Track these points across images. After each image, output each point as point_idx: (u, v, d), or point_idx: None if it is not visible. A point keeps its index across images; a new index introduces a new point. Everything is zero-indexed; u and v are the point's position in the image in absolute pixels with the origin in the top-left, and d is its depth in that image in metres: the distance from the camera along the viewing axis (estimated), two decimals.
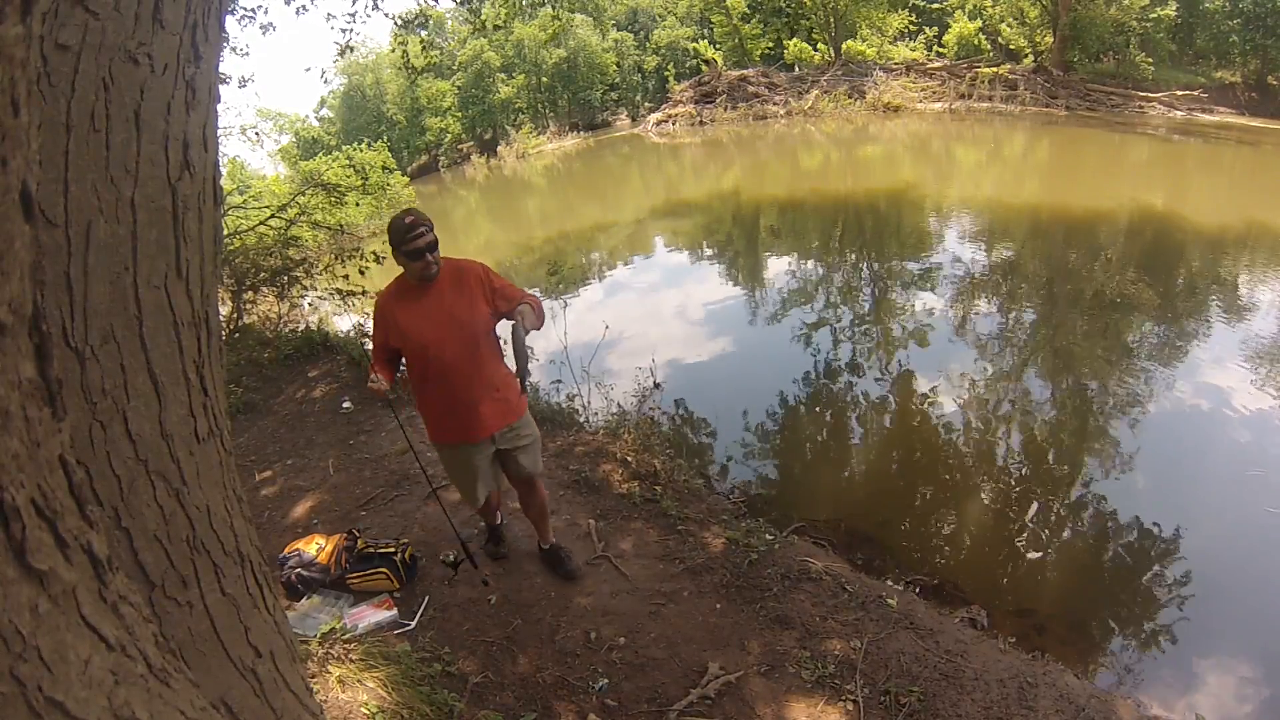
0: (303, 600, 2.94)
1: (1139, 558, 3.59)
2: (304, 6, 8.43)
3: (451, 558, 2.94)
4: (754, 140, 21.44)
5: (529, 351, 2.54)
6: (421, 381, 2.57)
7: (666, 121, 25.93)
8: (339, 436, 4.68)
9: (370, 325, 2.93)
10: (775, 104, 23.81)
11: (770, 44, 27.89)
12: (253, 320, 7.40)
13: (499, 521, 3.23)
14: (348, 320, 7.62)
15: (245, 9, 7.94)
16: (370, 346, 2.54)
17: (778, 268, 9.74)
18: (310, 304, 8.03)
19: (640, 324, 7.58)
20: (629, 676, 2.54)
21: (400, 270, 2.54)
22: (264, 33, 8.47)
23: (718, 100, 24.94)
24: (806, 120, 22.37)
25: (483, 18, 10.26)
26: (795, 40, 26.00)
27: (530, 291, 2.64)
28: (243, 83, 8.96)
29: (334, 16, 9.16)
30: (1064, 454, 4.51)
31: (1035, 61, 21.72)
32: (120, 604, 0.64)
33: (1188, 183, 12.68)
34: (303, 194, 8.48)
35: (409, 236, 2.36)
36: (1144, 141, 16.12)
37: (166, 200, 1.01)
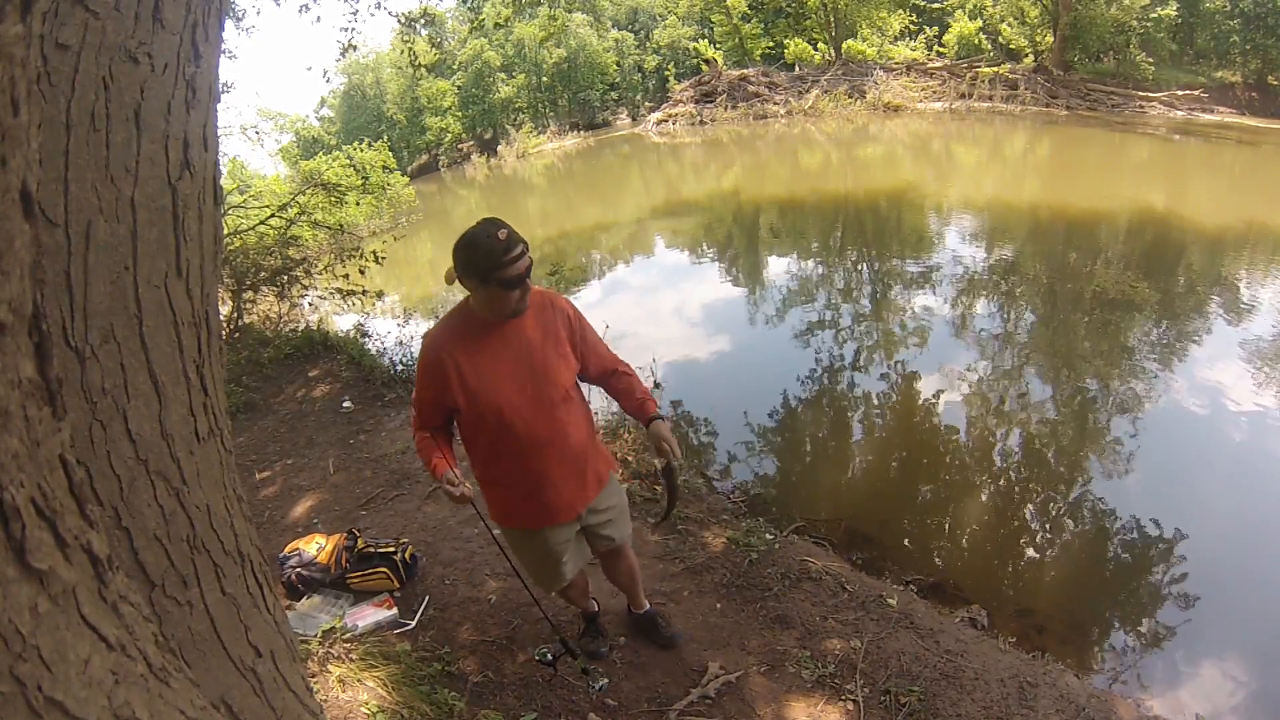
0: (303, 600, 2.94)
1: (1139, 557, 3.59)
2: (306, 6, 8.44)
3: (549, 655, 2.34)
4: (754, 140, 21.44)
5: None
6: (489, 454, 1.97)
7: (667, 121, 25.93)
8: (339, 436, 4.68)
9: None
10: (775, 104, 23.81)
11: (770, 44, 27.89)
12: (253, 320, 7.40)
13: (595, 609, 2.65)
14: (348, 320, 7.63)
15: (235, 7, 7.95)
16: (414, 396, 1.98)
17: (778, 267, 9.75)
18: (310, 304, 8.04)
19: (640, 324, 7.58)
20: (629, 676, 2.54)
21: (460, 301, 1.90)
22: (247, 34, 8.48)
23: (718, 100, 24.94)
24: (806, 120, 22.37)
25: (482, 16, 10.28)
26: (796, 40, 26.00)
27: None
28: (225, 87, 8.97)
29: (310, 13, 9.02)
30: (1064, 454, 4.51)
31: (1035, 61, 21.72)
32: (120, 604, 0.64)
33: (1188, 183, 12.68)
34: (303, 193, 8.48)
35: (506, 259, 1.69)
36: (1144, 141, 16.11)
37: (167, 199, 1.01)
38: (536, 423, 1.90)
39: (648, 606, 2.69)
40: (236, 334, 6.93)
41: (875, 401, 5.43)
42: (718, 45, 28.55)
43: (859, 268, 9.31)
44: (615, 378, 2.12)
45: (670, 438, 2.03)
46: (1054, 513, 3.99)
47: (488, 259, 1.70)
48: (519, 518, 2.08)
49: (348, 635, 2.61)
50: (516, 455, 1.93)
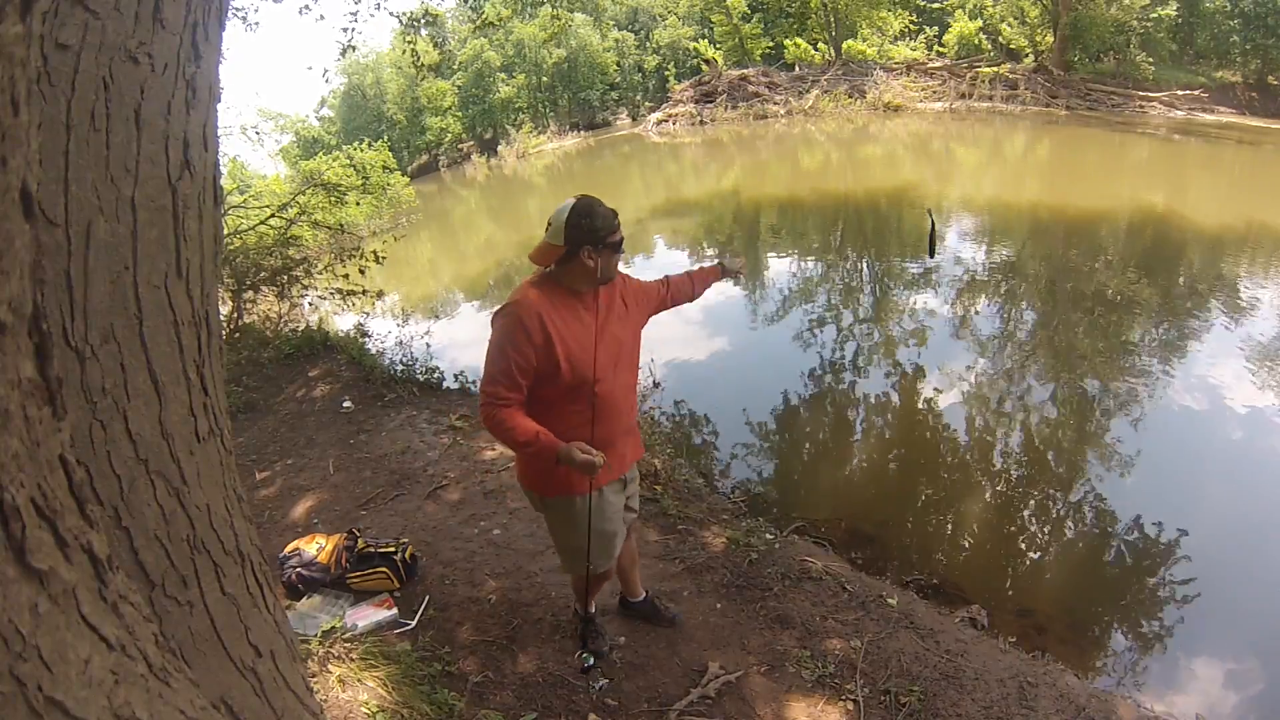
0: (303, 600, 2.94)
1: (1139, 558, 3.59)
2: (306, 7, 8.42)
3: (590, 660, 2.47)
4: (754, 140, 21.44)
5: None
6: (582, 419, 2.00)
7: (667, 121, 25.91)
8: (339, 436, 4.68)
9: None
10: (775, 104, 23.80)
11: (770, 44, 27.89)
12: (253, 320, 7.40)
13: (593, 610, 2.59)
14: (348, 320, 7.63)
15: (237, 8, 7.94)
16: (495, 368, 1.92)
17: (778, 267, 9.74)
18: (310, 303, 8.03)
19: None
20: (629, 676, 2.54)
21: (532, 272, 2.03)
22: (252, 29, 8.44)
23: (718, 100, 24.93)
24: (807, 120, 22.37)
25: (485, 16, 10.26)
26: (796, 40, 25.99)
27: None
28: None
29: (311, 13, 8.78)
30: (1064, 454, 4.51)
31: (1036, 61, 21.72)
32: (120, 604, 0.64)
33: (1188, 182, 12.68)
34: (303, 193, 8.48)
35: (617, 223, 1.94)
36: (1144, 141, 16.11)
37: (167, 200, 1.01)
38: (617, 388, 2.05)
39: (645, 593, 2.74)
40: (236, 334, 6.92)
41: (875, 401, 5.43)
42: (718, 45, 28.53)
43: (859, 267, 9.31)
44: (670, 289, 2.34)
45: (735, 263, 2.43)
46: (1054, 512, 3.99)
47: (606, 223, 1.91)
48: (592, 478, 2.06)
49: (348, 635, 2.60)
50: (605, 419, 2.02)
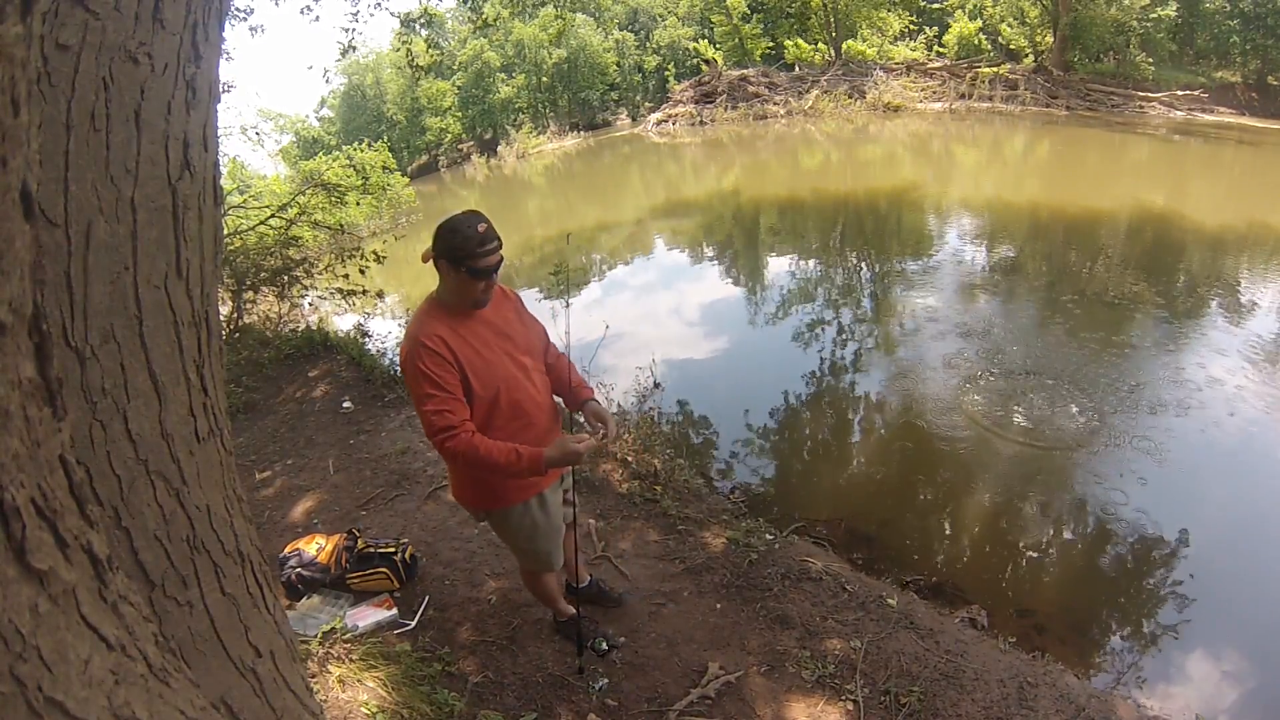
0: (303, 600, 2.94)
1: (1139, 558, 3.59)
2: (307, 7, 8.42)
3: (604, 645, 2.59)
4: (754, 140, 21.43)
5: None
6: (508, 432, 1.99)
7: (667, 121, 25.89)
8: (339, 436, 4.68)
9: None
10: (775, 104, 23.78)
11: (770, 44, 27.89)
12: (253, 320, 7.40)
13: (574, 610, 2.58)
14: (348, 320, 7.64)
15: (238, 10, 7.94)
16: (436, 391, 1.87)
17: (778, 267, 9.74)
18: (310, 304, 8.04)
19: (640, 323, 7.59)
20: (629, 676, 2.54)
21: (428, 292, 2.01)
22: (256, 33, 8.46)
23: (718, 100, 24.91)
24: (806, 120, 22.35)
25: (485, 16, 10.26)
26: (796, 40, 25.99)
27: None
28: (225, 88, 8.96)
29: (310, 14, 8.65)
30: (1064, 453, 4.50)
31: (1035, 61, 21.72)
32: (120, 604, 0.64)
33: (1188, 182, 12.68)
34: (303, 194, 8.48)
35: (480, 250, 1.82)
36: (1144, 141, 16.11)
37: (167, 200, 1.01)
38: (532, 391, 2.05)
39: (589, 578, 2.83)
40: (236, 334, 6.92)
41: (875, 401, 5.43)
42: (718, 45, 28.51)
43: (859, 268, 9.31)
44: (556, 358, 2.25)
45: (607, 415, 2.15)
46: (1054, 513, 3.98)
47: (464, 246, 1.82)
48: (523, 487, 2.10)
49: (348, 635, 2.61)
50: (528, 425, 2.03)
